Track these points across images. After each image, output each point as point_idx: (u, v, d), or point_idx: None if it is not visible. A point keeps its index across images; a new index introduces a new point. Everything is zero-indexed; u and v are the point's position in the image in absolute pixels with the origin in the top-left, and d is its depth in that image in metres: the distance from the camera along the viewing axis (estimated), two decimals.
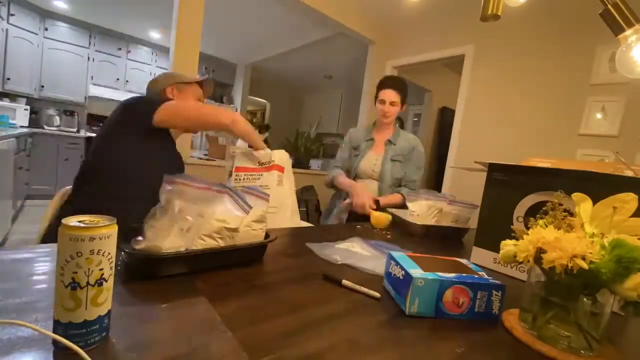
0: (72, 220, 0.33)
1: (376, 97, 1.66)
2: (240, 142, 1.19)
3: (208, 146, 3.43)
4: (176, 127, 1.12)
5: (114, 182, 0.99)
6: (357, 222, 1.25)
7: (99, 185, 0.99)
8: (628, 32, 0.79)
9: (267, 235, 0.69)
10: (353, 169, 1.69)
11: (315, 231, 1.05)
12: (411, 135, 1.76)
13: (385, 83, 1.63)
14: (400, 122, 4.99)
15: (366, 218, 1.28)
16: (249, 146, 1.12)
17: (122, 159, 1.00)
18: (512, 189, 0.79)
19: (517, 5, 0.98)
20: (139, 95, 1.09)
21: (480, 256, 0.83)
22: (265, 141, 1.16)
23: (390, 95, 1.61)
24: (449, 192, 1.45)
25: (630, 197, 0.45)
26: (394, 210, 1.26)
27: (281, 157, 1.13)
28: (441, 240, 1.09)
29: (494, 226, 0.81)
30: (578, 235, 0.44)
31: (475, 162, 0.91)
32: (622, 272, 0.40)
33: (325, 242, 0.85)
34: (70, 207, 0.99)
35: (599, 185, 0.60)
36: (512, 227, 0.53)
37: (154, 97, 1.15)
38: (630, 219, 0.45)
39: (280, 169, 1.11)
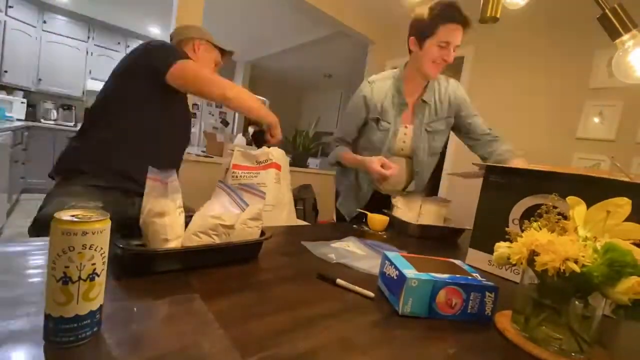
0: (65, 215, 0.33)
1: (429, 33, 1.07)
2: (238, 140, 1.19)
3: (206, 143, 3.42)
4: (184, 91, 1.07)
5: (118, 131, 0.99)
6: (354, 222, 1.25)
7: (104, 131, 0.98)
8: (625, 37, 0.79)
9: (262, 233, 0.69)
10: (384, 148, 1.23)
11: (311, 230, 1.05)
12: (447, 80, 1.25)
13: (456, 15, 1.03)
14: None
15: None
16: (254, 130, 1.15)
17: (129, 109, 1.00)
18: (509, 191, 0.79)
19: (517, 7, 0.98)
20: (163, 41, 1.05)
21: (475, 258, 0.83)
22: (263, 137, 1.14)
23: (458, 35, 1.05)
24: (445, 194, 1.43)
25: (624, 201, 0.45)
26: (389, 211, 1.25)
27: (278, 155, 1.13)
28: (436, 241, 1.09)
29: (490, 228, 0.81)
30: (571, 239, 0.44)
31: (473, 163, 0.92)
32: (614, 275, 0.40)
33: (321, 240, 0.85)
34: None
35: (595, 189, 0.60)
36: (506, 229, 0.54)
37: (177, 49, 1.08)
38: (624, 223, 0.45)
39: (278, 167, 1.11)
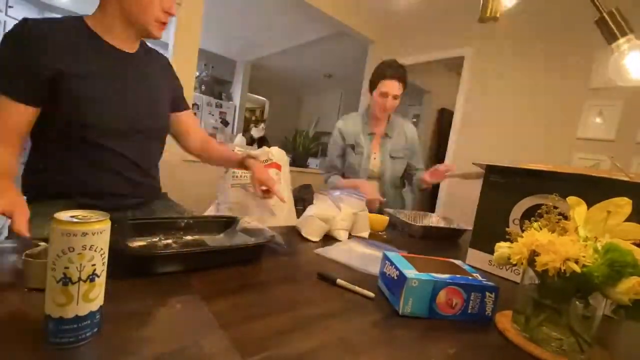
0: (65, 215, 0.33)
1: (374, 86, 1.47)
2: (238, 140, 1.19)
3: None
4: None
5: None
6: None
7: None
8: (621, 40, 0.80)
9: (264, 234, 0.69)
10: (361, 169, 1.51)
11: None
12: (406, 122, 1.60)
13: (388, 72, 1.40)
14: None
15: None
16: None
17: None
18: (509, 191, 0.79)
19: (505, 9, 0.97)
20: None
21: (475, 258, 0.83)
22: (264, 139, 1.15)
23: (393, 87, 1.40)
24: (445, 195, 1.42)
25: (625, 201, 0.45)
26: (391, 211, 1.26)
27: (279, 155, 1.13)
28: (437, 241, 1.09)
29: (490, 228, 0.81)
30: (572, 239, 0.44)
31: (474, 163, 0.91)
32: (614, 275, 0.40)
33: (322, 240, 0.85)
34: None
35: (595, 189, 0.60)
36: (506, 229, 0.54)
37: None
38: (624, 223, 0.45)
39: (278, 167, 1.11)
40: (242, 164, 0.99)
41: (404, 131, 1.56)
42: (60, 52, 0.73)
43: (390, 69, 1.41)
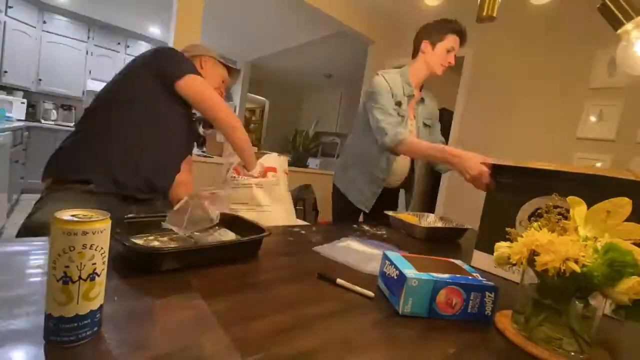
0: (66, 214, 0.33)
1: (437, 39, 1.30)
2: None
3: (207, 143, 3.42)
4: (189, 103, 1.04)
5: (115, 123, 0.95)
6: (353, 222, 1.25)
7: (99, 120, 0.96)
8: (628, 25, 0.74)
9: (262, 230, 0.69)
10: None
11: (311, 230, 1.04)
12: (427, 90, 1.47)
13: (456, 27, 1.28)
14: None
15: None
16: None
17: (138, 100, 0.97)
18: (516, 192, 0.76)
19: (542, 3, 0.95)
20: (176, 50, 1.06)
21: (481, 260, 0.81)
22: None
23: (458, 44, 1.30)
24: (445, 194, 1.41)
25: (625, 201, 0.45)
26: (391, 213, 1.23)
27: (270, 160, 1.14)
28: (437, 241, 1.09)
29: (496, 230, 0.78)
30: (571, 239, 0.44)
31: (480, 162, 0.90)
32: (614, 275, 0.40)
33: (322, 240, 0.85)
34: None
35: (605, 189, 0.57)
36: (507, 229, 0.54)
37: (188, 59, 1.06)
38: (624, 223, 0.45)
39: (273, 170, 1.13)
40: None
41: (434, 102, 1.46)
42: None
43: (457, 25, 1.29)
